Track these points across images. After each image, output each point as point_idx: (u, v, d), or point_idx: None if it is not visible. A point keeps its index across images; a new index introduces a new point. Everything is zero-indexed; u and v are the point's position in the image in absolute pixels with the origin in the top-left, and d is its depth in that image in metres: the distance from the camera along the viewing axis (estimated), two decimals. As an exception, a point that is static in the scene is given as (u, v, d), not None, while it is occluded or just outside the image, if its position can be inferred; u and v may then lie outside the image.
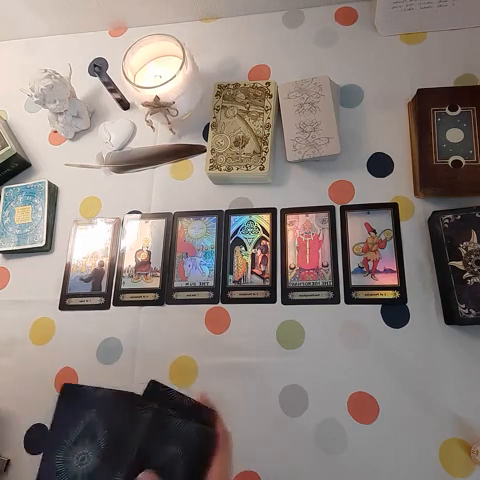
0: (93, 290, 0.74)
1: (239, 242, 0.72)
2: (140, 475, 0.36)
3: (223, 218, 0.74)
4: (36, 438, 0.67)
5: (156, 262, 0.73)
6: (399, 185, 0.70)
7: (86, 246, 0.77)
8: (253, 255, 0.71)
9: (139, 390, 0.45)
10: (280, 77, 0.77)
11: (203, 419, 0.41)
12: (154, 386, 0.41)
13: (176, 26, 0.87)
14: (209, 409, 0.42)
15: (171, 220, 0.75)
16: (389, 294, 0.65)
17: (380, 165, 0.72)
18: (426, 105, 0.68)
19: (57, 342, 0.72)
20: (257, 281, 0.69)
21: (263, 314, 0.67)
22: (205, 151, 0.76)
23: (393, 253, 0.67)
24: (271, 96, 0.74)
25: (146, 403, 0.39)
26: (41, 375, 0.70)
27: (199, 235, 0.74)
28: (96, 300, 0.73)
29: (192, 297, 0.70)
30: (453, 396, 0.59)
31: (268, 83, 0.75)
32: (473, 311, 0.58)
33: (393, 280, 0.65)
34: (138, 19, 0.89)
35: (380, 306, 0.65)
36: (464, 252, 0.60)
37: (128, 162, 0.80)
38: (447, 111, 0.67)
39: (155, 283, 0.72)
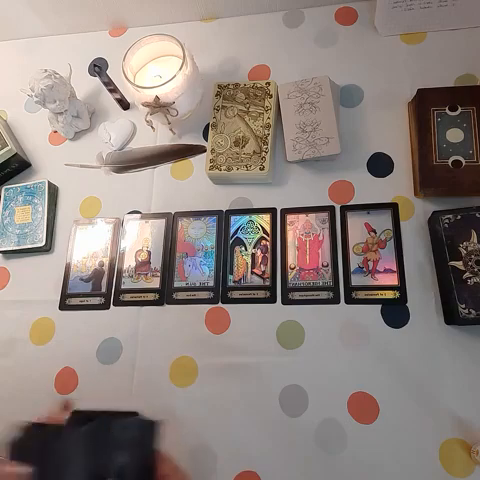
0: (93, 290, 0.74)
1: (239, 242, 0.72)
2: None
3: (223, 218, 0.74)
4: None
5: (156, 262, 0.73)
6: (399, 185, 0.70)
7: (86, 246, 0.77)
8: (253, 255, 0.71)
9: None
10: (280, 77, 0.77)
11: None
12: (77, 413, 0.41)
13: (176, 26, 0.87)
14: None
15: (171, 220, 0.75)
16: (389, 294, 0.65)
17: (380, 165, 0.72)
18: (426, 105, 0.68)
19: (57, 342, 0.72)
20: (257, 281, 0.69)
21: (263, 314, 0.67)
22: (205, 151, 0.76)
23: (393, 253, 0.66)
24: (271, 96, 0.74)
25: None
26: (41, 375, 0.70)
27: (199, 235, 0.74)
28: (96, 300, 0.73)
29: (192, 297, 0.70)
30: (453, 396, 0.59)
31: (268, 83, 0.75)
32: (473, 311, 0.58)
33: (393, 280, 0.65)
34: (138, 19, 0.89)
35: (380, 306, 0.65)
36: (464, 252, 0.60)
37: (128, 162, 0.80)
38: (447, 111, 0.67)
39: (155, 283, 0.72)
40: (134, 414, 0.42)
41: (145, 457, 0.39)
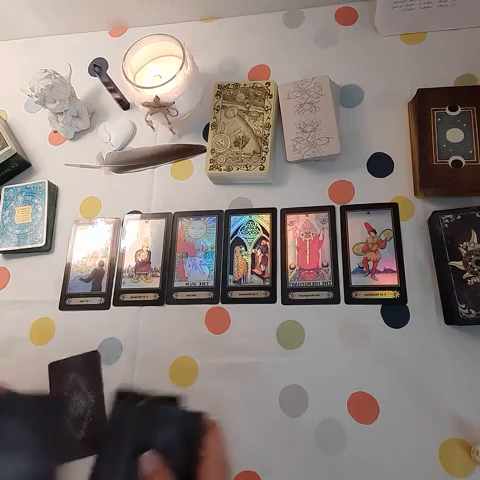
0: (93, 290, 0.74)
1: (239, 242, 0.72)
2: (144, 454, 0.37)
3: (223, 218, 0.74)
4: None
5: (156, 262, 0.73)
6: (399, 185, 0.70)
7: (86, 246, 0.77)
8: (253, 255, 0.71)
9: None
10: (280, 77, 0.77)
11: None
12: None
13: (176, 26, 0.87)
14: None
15: (171, 220, 0.75)
16: (389, 294, 0.65)
17: (380, 165, 0.72)
18: (426, 105, 0.68)
19: (57, 342, 0.72)
20: (257, 281, 0.69)
21: (263, 314, 0.67)
22: (205, 151, 0.76)
23: (393, 253, 0.66)
24: (271, 96, 0.74)
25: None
26: (41, 375, 0.70)
27: (199, 235, 0.74)
28: (96, 300, 0.73)
29: (192, 297, 0.70)
30: (453, 396, 0.59)
31: (268, 83, 0.75)
32: (473, 311, 0.58)
33: (393, 280, 0.65)
34: (138, 19, 0.89)
35: (380, 306, 0.65)
36: (464, 252, 0.60)
37: (128, 162, 0.80)
38: (447, 111, 0.67)
39: (155, 283, 0.72)
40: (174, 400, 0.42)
41: (192, 442, 0.40)
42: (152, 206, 0.77)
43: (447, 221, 0.62)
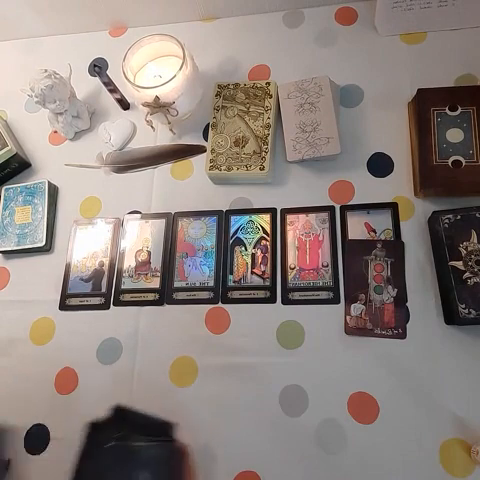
0: (93, 290, 0.74)
1: (239, 242, 0.72)
2: None
3: (223, 218, 0.74)
4: (36, 438, 0.67)
5: (156, 262, 0.73)
6: (399, 185, 0.70)
7: (86, 246, 0.77)
8: (253, 255, 0.71)
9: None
10: (280, 77, 0.77)
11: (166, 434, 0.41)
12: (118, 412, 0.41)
13: (176, 26, 0.87)
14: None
15: (171, 220, 0.75)
16: (389, 294, 0.65)
17: (380, 165, 0.72)
18: (426, 105, 0.68)
19: (57, 342, 0.72)
20: (257, 281, 0.69)
21: (263, 314, 0.67)
22: (205, 151, 0.76)
23: (393, 253, 0.66)
24: (271, 96, 0.74)
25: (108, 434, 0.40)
26: (41, 375, 0.70)
27: (199, 235, 0.74)
28: (96, 300, 0.73)
29: (192, 297, 0.70)
30: (453, 396, 0.59)
31: (268, 83, 0.75)
32: (473, 311, 0.58)
33: (393, 280, 0.65)
34: (138, 19, 0.89)
35: (380, 306, 0.65)
36: (464, 252, 0.60)
37: (128, 162, 0.80)
38: (447, 111, 0.67)
39: (155, 283, 0.72)
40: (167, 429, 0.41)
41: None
42: (152, 206, 0.77)
43: (447, 221, 0.62)
